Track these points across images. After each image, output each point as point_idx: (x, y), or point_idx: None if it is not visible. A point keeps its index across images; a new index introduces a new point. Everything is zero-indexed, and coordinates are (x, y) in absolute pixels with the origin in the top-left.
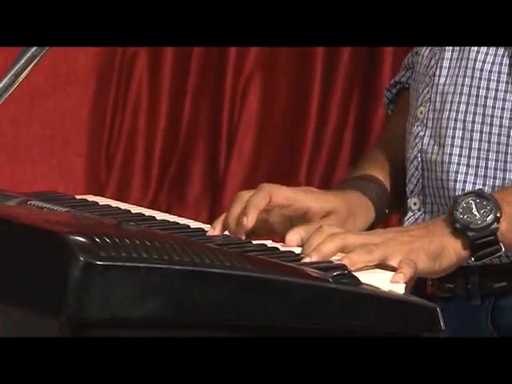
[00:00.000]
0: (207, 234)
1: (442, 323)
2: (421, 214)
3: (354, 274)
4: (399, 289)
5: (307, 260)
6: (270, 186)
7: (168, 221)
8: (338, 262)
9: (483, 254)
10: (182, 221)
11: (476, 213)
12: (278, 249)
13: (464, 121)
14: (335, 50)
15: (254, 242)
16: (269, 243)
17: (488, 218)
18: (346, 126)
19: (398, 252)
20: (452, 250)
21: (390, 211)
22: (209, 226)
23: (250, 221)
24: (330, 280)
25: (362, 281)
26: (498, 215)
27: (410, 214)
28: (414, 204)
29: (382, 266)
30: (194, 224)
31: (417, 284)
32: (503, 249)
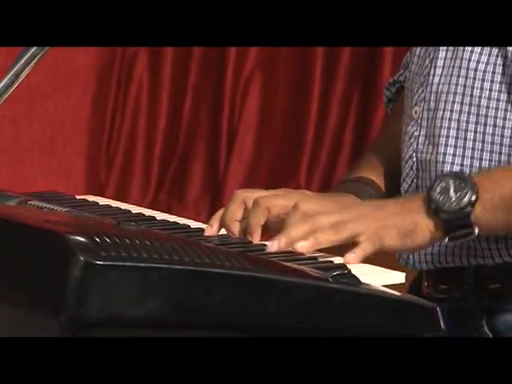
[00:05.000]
0: (205, 232)
1: (441, 323)
2: None
3: (354, 273)
4: (399, 278)
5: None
6: (265, 199)
7: (168, 221)
8: (329, 260)
9: (455, 236)
10: (181, 221)
11: (453, 194)
12: None
13: (458, 120)
14: (335, 50)
15: (254, 242)
16: (268, 243)
17: (462, 201)
18: (346, 126)
19: (368, 229)
20: (426, 228)
21: None
22: None
23: (256, 241)
24: (330, 280)
25: (362, 281)
26: (473, 199)
27: None
28: None
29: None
30: (193, 224)
31: (413, 284)
32: (476, 232)
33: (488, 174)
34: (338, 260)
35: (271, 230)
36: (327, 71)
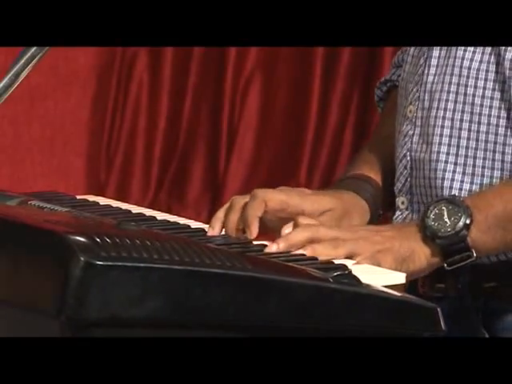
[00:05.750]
0: (208, 234)
1: (442, 323)
2: (408, 213)
3: (354, 274)
4: (399, 279)
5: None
6: (263, 192)
7: (168, 221)
8: (330, 260)
9: (454, 261)
10: (182, 221)
11: (447, 219)
12: None
13: (452, 119)
14: (335, 50)
15: (254, 243)
16: (268, 243)
17: (457, 225)
18: (346, 126)
19: (366, 251)
20: (423, 255)
21: (383, 211)
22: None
23: (253, 232)
24: (331, 280)
25: (363, 281)
26: (468, 222)
27: (398, 213)
28: (402, 203)
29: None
30: (194, 224)
31: (410, 284)
32: (475, 255)
33: (480, 195)
34: (338, 261)
35: (267, 227)
36: (327, 71)
